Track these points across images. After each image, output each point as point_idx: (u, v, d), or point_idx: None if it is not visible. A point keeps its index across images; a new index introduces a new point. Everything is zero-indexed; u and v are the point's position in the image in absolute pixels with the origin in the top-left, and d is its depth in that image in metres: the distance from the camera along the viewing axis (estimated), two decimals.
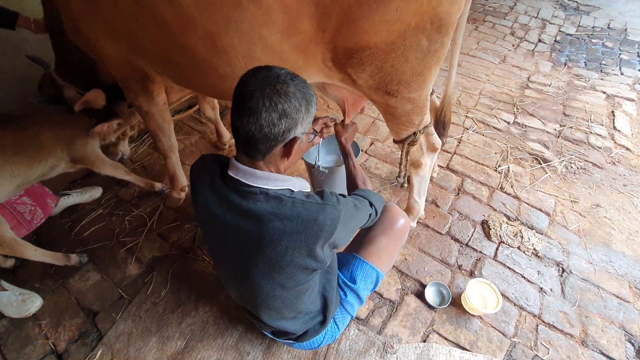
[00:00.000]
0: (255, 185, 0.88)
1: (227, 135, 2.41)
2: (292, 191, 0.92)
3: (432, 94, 1.68)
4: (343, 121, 1.51)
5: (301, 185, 0.97)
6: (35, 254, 1.61)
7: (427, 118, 1.41)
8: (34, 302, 1.58)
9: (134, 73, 1.46)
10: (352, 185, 1.32)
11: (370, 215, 1.13)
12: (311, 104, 0.86)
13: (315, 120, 1.25)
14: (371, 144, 2.41)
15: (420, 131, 1.41)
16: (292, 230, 0.87)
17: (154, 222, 1.94)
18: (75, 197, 2.01)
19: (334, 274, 1.21)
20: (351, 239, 1.04)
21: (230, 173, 0.91)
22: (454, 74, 1.54)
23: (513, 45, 3.59)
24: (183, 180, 2.01)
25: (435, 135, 1.58)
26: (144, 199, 2.09)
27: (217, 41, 1.11)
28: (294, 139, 0.87)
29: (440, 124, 1.70)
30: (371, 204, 1.13)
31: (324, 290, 1.17)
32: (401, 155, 1.54)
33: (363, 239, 1.31)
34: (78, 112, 1.65)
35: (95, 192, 2.09)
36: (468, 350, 1.42)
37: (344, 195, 1.01)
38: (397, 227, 1.29)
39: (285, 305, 1.06)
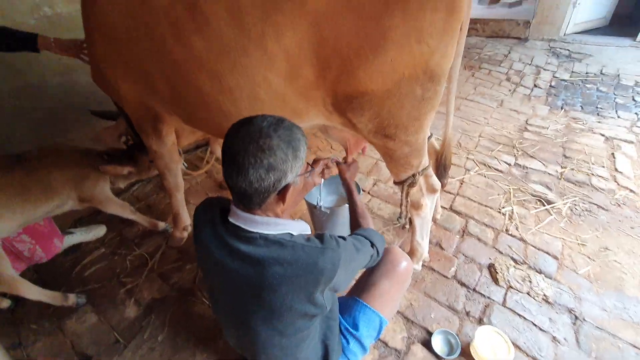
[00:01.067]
0: (255, 230, 0.90)
1: None
2: (292, 235, 0.93)
3: (430, 137, 1.73)
4: (345, 159, 1.55)
5: (300, 228, 0.97)
6: (34, 292, 1.60)
7: (425, 160, 1.45)
8: None
9: (147, 114, 1.55)
10: (355, 222, 1.32)
11: (372, 256, 1.12)
12: (298, 149, 0.87)
13: (316, 161, 1.28)
14: (374, 184, 2.44)
15: (419, 173, 1.44)
16: (292, 274, 0.87)
17: (155, 262, 1.93)
18: (79, 236, 2.03)
19: (335, 319, 1.18)
20: (351, 282, 1.02)
21: (231, 219, 0.93)
22: (452, 120, 1.59)
23: (509, 90, 3.73)
24: (186, 219, 2.02)
25: (434, 177, 1.60)
26: (146, 238, 2.09)
27: (224, 81, 1.20)
28: (287, 186, 0.89)
29: (442, 167, 1.73)
30: (372, 244, 1.13)
31: (324, 338, 1.13)
32: (401, 197, 1.56)
33: (365, 282, 1.29)
34: (91, 152, 1.73)
35: (100, 231, 2.11)
36: None
37: (344, 238, 1.01)
38: (400, 270, 1.27)
39: (285, 353, 1.02)
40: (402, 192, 1.53)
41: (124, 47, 1.33)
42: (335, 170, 1.43)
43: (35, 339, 1.60)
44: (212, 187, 2.51)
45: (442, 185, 1.69)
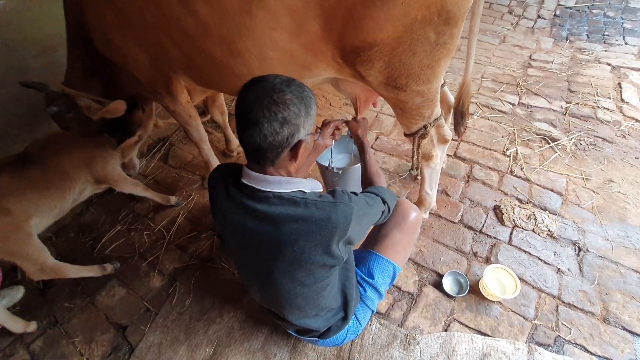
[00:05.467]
0: (269, 189, 0.93)
1: (235, 141, 2.44)
2: (304, 192, 0.96)
3: (443, 85, 1.67)
4: (355, 118, 1.53)
5: (312, 185, 1.00)
6: (76, 271, 1.72)
7: (438, 110, 1.42)
8: None
9: (160, 76, 1.57)
10: (367, 179, 1.34)
11: (383, 212, 1.15)
12: (310, 106, 0.89)
13: (327, 124, 1.29)
14: (376, 138, 2.42)
15: (430, 124, 1.42)
16: (308, 230, 0.91)
17: (171, 234, 1.99)
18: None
19: (352, 270, 1.24)
20: (365, 235, 1.07)
21: (244, 181, 0.96)
22: (472, 63, 1.53)
23: (512, 24, 3.53)
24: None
25: (446, 127, 1.58)
26: (159, 212, 2.14)
27: (232, 45, 1.21)
28: (299, 142, 0.90)
29: (459, 114, 1.70)
30: (384, 201, 1.15)
31: (343, 287, 1.20)
32: (413, 149, 1.55)
33: (377, 234, 1.34)
34: (90, 132, 1.71)
35: (17, 293, 1.79)
36: (490, 336, 1.43)
37: (355, 194, 1.03)
38: (410, 221, 1.31)
39: (307, 302, 1.10)
40: (413, 144, 1.52)
41: (134, 17, 1.33)
42: (344, 130, 1.42)
43: (70, 315, 1.70)
44: (216, 155, 2.49)
45: (460, 133, 1.67)
